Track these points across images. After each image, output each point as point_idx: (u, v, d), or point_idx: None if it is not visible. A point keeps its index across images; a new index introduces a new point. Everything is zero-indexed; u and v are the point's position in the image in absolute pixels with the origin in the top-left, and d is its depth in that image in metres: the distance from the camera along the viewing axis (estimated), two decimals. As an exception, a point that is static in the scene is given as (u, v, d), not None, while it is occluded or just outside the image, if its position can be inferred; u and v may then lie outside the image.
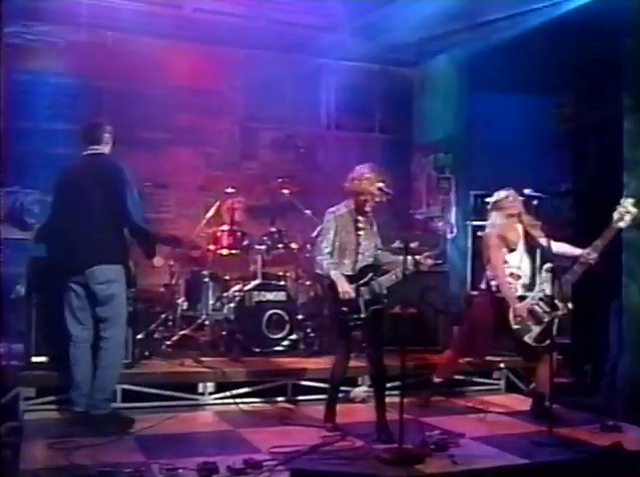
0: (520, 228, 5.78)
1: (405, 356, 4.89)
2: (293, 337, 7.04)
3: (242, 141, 9.17)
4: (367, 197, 5.17)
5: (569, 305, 5.48)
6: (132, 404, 5.54)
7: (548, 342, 5.44)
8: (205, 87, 8.72)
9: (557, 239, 5.57)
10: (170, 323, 7.18)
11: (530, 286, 5.67)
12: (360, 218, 5.26)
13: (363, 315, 5.11)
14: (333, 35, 8.53)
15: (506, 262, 5.71)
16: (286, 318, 6.99)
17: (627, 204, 5.24)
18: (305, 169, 8.29)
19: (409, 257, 5.03)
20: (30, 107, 7.77)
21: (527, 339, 5.58)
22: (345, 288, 5.07)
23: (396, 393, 5.13)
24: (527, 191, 5.57)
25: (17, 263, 6.00)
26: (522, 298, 5.61)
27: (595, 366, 6.90)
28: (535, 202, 5.51)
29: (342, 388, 5.98)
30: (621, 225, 5.25)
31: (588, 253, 5.40)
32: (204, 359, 6.39)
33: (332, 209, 5.30)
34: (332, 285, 5.11)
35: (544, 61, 7.39)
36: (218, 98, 8.86)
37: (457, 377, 6.54)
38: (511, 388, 6.78)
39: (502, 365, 6.69)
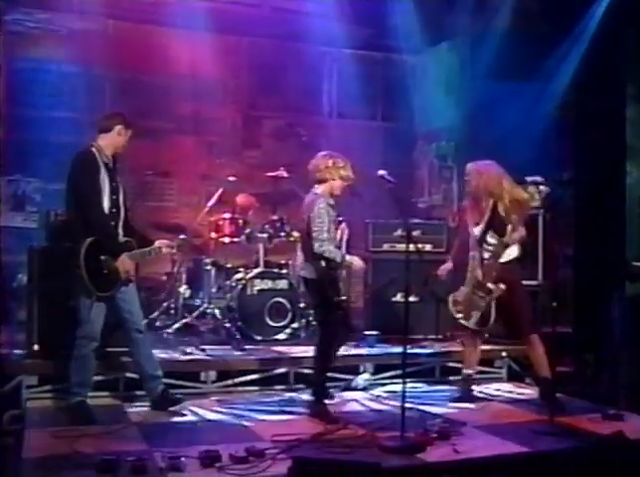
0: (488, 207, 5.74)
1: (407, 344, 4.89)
2: (295, 325, 7.05)
3: (245, 129, 9.15)
4: (343, 183, 5.30)
5: (502, 286, 5.55)
6: (134, 393, 5.55)
7: (489, 324, 5.66)
8: (207, 76, 8.68)
9: None
10: (172, 311, 7.19)
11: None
12: (333, 203, 5.31)
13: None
14: (335, 22, 8.48)
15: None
16: (288, 306, 6.99)
17: (536, 183, 5.36)
18: (307, 157, 8.25)
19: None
20: (31, 95, 7.75)
21: (470, 325, 5.70)
22: (361, 263, 5.33)
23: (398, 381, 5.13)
24: (530, 178, 5.57)
25: (19, 252, 6.01)
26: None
27: (597, 354, 6.90)
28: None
29: (344, 376, 6.02)
30: (533, 204, 5.38)
31: (510, 235, 5.53)
32: (206, 347, 6.40)
33: (317, 192, 5.30)
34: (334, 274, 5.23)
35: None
36: (220, 87, 8.82)
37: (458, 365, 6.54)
38: (513, 376, 6.78)
39: (504, 353, 6.69)
